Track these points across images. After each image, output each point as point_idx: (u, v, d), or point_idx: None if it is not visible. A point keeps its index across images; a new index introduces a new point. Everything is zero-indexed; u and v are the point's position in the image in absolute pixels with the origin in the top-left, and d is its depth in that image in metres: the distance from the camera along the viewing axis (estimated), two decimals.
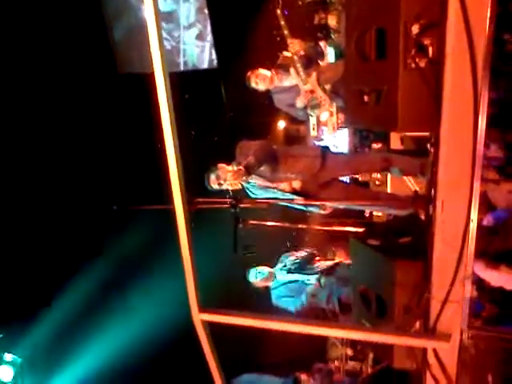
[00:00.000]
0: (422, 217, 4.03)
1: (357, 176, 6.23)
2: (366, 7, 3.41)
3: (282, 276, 6.33)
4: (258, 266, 6.37)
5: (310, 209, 5.38)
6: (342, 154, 6.33)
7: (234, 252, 4.98)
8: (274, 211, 5.55)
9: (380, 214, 6.21)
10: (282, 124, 7.96)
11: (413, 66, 3.13)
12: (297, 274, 6.28)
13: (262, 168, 5.13)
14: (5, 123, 8.03)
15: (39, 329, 8.60)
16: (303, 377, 6.26)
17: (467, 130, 2.86)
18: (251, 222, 5.01)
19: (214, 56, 8.95)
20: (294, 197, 5.19)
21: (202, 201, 4.60)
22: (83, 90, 8.61)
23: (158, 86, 2.96)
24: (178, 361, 7.97)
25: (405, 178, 5.54)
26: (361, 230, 5.24)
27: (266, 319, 3.44)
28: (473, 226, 2.90)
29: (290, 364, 6.76)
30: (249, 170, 4.94)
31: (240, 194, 5.14)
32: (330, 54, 6.79)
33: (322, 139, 6.70)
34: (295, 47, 6.00)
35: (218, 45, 8.88)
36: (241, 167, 4.92)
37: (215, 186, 5.26)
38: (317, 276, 6.21)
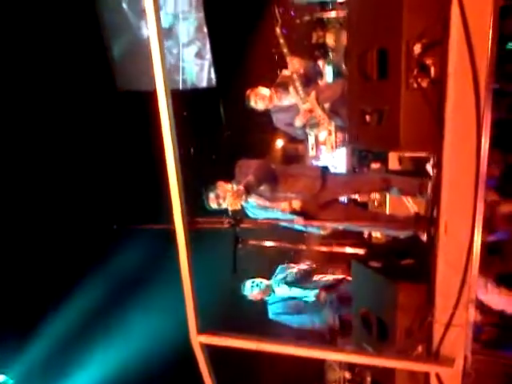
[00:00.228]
0: (423, 238, 4.00)
1: (355, 197, 6.20)
2: (368, 26, 3.39)
3: (280, 290, 6.18)
4: (253, 278, 6.20)
5: (310, 229, 5.34)
6: (341, 174, 6.29)
7: (234, 272, 4.94)
8: (273, 231, 5.51)
9: (379, 235, 6.17)
10: (280, 143, 7.95)
11: (415, 85, 3.10)
12: (295, 288, 6.14)
13: (261, 187, 5.10)
14: (4, 140, 7.99)
15: (32, 349, 8.50)
16: None
17: (470, 151, 2.83)
18: (251, 241, 4.97)
19: (212, 75, 8.96)
20: (294, 217, 5.15)
21: (201, 220, 4.58)
22: (84, 108, 8.59)
23: (161, 104, 2.95)
24: (176, 382, 7.88)
25: (403, 198, 5.52)
26: (361, 251, 5.21)
27: (266, 342, 3.39)
28: (476, 247, 2.86)
29: None
30: (248, 190, 4.90)
31: (239, 215, 5.11)
32: (328, 73, 6.80)
33: (320, 159, 6.68)
34: (294, 66, 6.00)
35: (216, 63, 8.89)
36: (240, 187, 4.89)
37: (214, 206, 5.23)
38: (316, 291, 6.09)
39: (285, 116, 6.21)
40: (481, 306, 3.81)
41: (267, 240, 5.20)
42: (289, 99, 6.13)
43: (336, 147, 6.32)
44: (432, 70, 3.07)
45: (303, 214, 5.16)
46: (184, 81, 9.12)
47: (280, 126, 6.44)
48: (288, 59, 5.97)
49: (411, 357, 3.22)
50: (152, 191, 7.41)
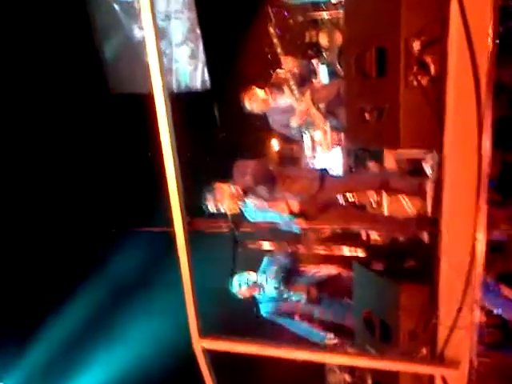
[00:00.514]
0: (425, 239, 3.96)
1: (353, 199, 6.15)
2: (366, 23, 3.34)
3: (269, 288, 5.87)
4: (240, 273, 5.86)
5: (308, 231, 5.30)
6: (339, 175, 6.22)
7: (234, 274, 4.92)
8: (271, 232, 5.49)
9: (377, 236, 6.11)
10: (275, 144, 7.90)
11: (414, 83, 3.06)
12: (285, 291, 5.85)
13: (259, 188, 5.07)
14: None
15: (31, 355, 8.44)
16: None
17: (471, 149, 2.79)
18: (250, 245, 4.95)
19: (206, 76, 8.88)
20: (292, 219, 5.11)
21: (201, 225, 4.55)
22: (77, 110, 8.52)
23: (158, 106, 2.92)
24: None
25: (401, 198, 5.48)
26: (359, 252, 5.18)
27: (268, 346, 3.36)
28: (480, 248, 2.82)
29: None
30: (246, 191, 4.88)
31: (238, 218, 5.08)
32: (322, 73, 6.77)
33: (316, 159, 6.63)
34: (288, 65, 5.98)
35: (210, 64, 8.83)
36: (238, 188, 4.87)
37: (212, 209, 5.18)
38: (306, 287, 5.85)
39: (281, 117, 6.18)
40: (482, 307, 3.77)
41: (266, 241, 5.17)
42: (284, 99, 6.10)
43: (331, 147, 6.29)
44: (432, 67, 3.03)
45: (301, 215, 5.13)
46: (178, 82, 9.05)
47: (276, 127, 6.42)
48: (282, 59, 5.95)
49: (416, 359, 3.18)
50: (149, 194, 7.38)
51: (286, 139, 7.40)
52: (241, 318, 6.11)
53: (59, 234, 8.22)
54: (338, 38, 6.79)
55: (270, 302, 5.90)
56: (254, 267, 5.92)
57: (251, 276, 5.87)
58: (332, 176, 5.63)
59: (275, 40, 6.06)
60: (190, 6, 8.67)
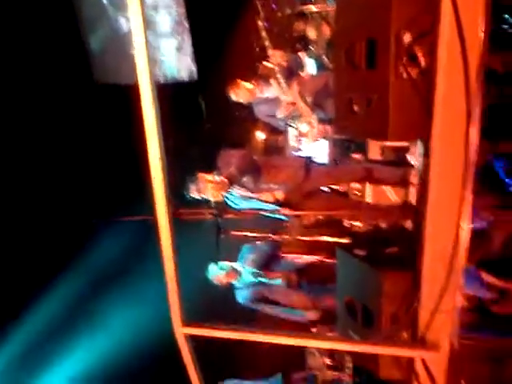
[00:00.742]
0: (408, 226, 4.06)
1: (337, 187, 6.22)
2: (357, 15, 3.40)
3: (247, 274, 5.84)
4: (218, 261, 5.80)
5: (293, 219, 5.36)
6: (324, 164, 6.31)
7: (217, 261, 4.95)
8: (255, 221, 5.53)
9: (360, 223, 6.19)
10: (260, 134, 7.95)
11: (404, 75, 3.12)
12: (264, 277, 5.84)
13: (244, 178, 5.11)
14: None
15: (12, 343, 8.40)
16: None
17: (459, 140, 2.86)
18: (233, 232, 4.99)
19: (193, 67, 8.89)
20: (277, 207, 5.17)
21: (184, 211, 4.58)
22: (62, 101, 8.48)
23: (144, 96, 2.89)
24: (158, 374, 7.85)
25: (384, 187, 5.57)
26: (343, 239, 5.25)
27: (250, 332, 3.39)
28: (464, 234, 2.90)
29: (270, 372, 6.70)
30: (231, 181, 4.91)
31: (222, 205, 5.12)
32: (309, 66, 6.83)
33: (301, 150, 6.69)
34: (276, 58, 6.02)
35: (197, 56, 8.82)
36: (223, 178, 4.90)
37: (195, 196, 5.22)
38: (286, 273, 5.85)
39: (267, 107, 6.23)
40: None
41: (249, 230, 5.22)
42: (271, 91, 6.15)
43: (317, 139, 6.35)
44: (421, 59, 3.09)
45: (286, 204, 5.19)
46: (164, 74, 9.03)
47: (262, 117, 6.46)
48: (270, 52, 5.98)
49: (397, 343, 3.26)
50: (128, 184, 7.38)
51: (271, 130, 7.46)
52: (220, 306, 6.16)
53: (38, 225, 8.17)
54: (326, 31, 6.85)
55: (247, 288, 5.87)
56: (235, 254, 5.95)
57: (229, 263, 5.82)
58: (317, 164, 5.70)
59: (263, 33, 6.10)
60: None
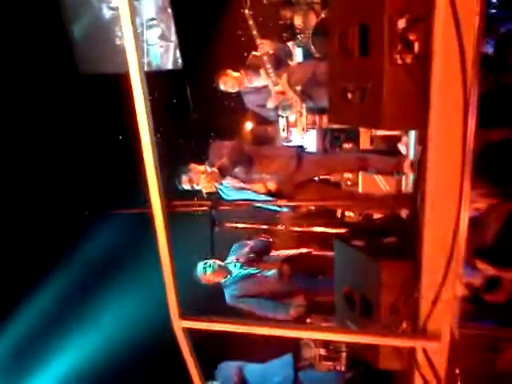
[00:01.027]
0: (403, 216, 4.03)
1: (328, 176, 6.20)
2: (349, 1, 3.34)
3: (236, 271, 5.66)
4: (208, 257, 5.59)
5: (285, 209, 5.33)
6: (316, 154, 6.27)
7: (212, 255, 4.90)
8: (247, 212, 5.49)
9: (352, 214, 6.19)
10: (249, 125, 7.91)
11: (399, 62, 3.07)
12: (252, 269, 5.64)
13: (236, 169, 5.06)
14: None
15: (4, 338, 8.36)
16: None
17: (456, 127, 2.82)
18: (227, 224, 4.95)
19: (178, 56, 8.80)
20: (269, 198, 5.14)
21: (178, 203, 4.53)
22: (46, 92, 8.38)
23: (134, 86, 2.83)
24: (156, 368, 7.84)
25: (376, 177, 5.56)
26: (335, 230, 5.22)
27: (250, 325, 3.35)
28: (463, 224, 2.87)
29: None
30: (223, 172, 4.87)
31: (214, 196, 5.08)
32: (298, 55, 6.78)
33: (291, 140, 6.67)
34: (265, 48, 5.95)
35: (182, 44, 8.74)
36: (214, 169, 4.86)
37: (186, 187, 5.18)
38: (278, 264, 5.65)
39: (256, 97, 6.19)
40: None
41: (242, 221, 5.17)
42: (260, 81, 6.10)
43: (307, 129, 6.32)
44: (416, 45, 3.04)
45: (278, 194, 5.16)
46: (149, 63, 8.94)
47: (251, 107, 6.41)
48: (258, 41, 5.92)
49: (397, 333, 3.23)
50: (119, 175, 7.32)
51: (260, 120, 7.43)
52: (211, 301, 6.12)
53: (30, 217, 8.10)
54: (313, 19, 6.79)
55: (235, 283, 5.69)
56: (228, 247, 5.91)
57: (216, 261, 5.64)
58: (309, 154, 5.66)
59: (251, 22, 6.01)
60: None
